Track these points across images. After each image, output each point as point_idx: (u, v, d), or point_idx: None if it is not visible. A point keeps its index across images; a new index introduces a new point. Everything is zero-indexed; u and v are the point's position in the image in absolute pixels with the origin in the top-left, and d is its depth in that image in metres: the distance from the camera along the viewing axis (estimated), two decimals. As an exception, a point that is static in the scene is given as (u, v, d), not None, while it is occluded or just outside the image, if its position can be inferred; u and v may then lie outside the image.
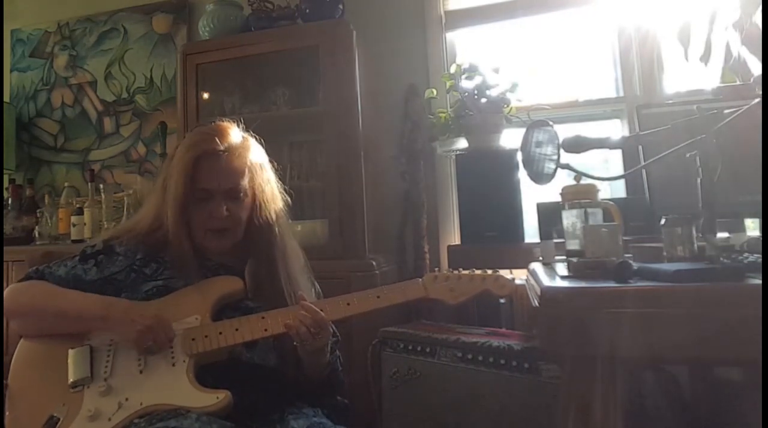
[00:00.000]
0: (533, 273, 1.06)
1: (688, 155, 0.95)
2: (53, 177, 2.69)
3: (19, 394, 1.04)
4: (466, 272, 1.17)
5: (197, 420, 0.91)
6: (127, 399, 0.98)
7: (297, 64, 2.04)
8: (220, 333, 1.05)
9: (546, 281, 0.90)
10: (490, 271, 1.16)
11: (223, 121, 1.19)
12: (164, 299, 1.11)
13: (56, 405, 0.99)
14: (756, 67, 1.33)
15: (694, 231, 0.93)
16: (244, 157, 1.15)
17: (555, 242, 1.20)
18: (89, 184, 2.33)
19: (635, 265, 0.85)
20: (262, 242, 1.18)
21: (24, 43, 2.81)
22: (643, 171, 1.31)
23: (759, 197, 0.93)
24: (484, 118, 1.86)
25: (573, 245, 1.05)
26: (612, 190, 1.89)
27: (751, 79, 1.28)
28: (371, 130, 1.99)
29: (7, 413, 1.02)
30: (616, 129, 2.05)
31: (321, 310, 1.07)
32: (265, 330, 1.07)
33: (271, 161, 1.24)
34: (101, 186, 2.31)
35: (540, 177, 1.10)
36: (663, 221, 0.96)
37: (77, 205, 2.31)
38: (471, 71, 1.91)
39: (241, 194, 1.14)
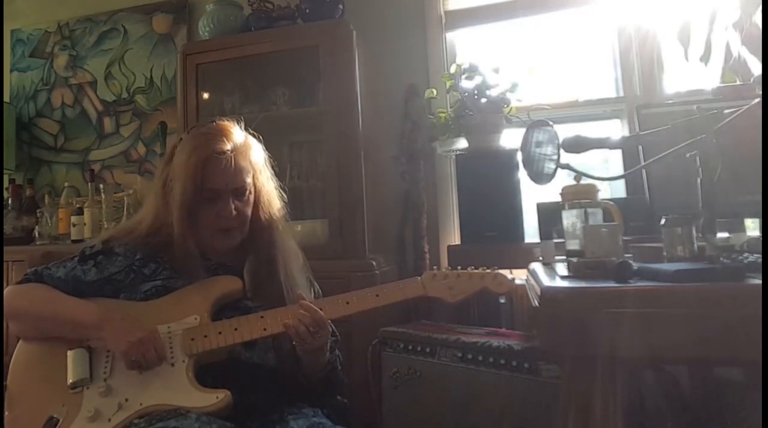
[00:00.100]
0: (533, 273, 1.05)
1: (688, 155, 0.95)
2: (53, 177, 2.69)
3: (18, 395, 1.04)
4: (464, 270, 1.17)
5: (197, 420, 0.91)
6: (126, 400, 0.98)
7: (297, 64, 2.04)
8: (220, 332, 1.05)
9: (546, 281, 0.90)
10: (488, 269, 1.16)
11: (222, 121, 1.19)
12: (163, 299, 1.11)
13: (56, 406, 0.99)
14: (756, 67, 1.33)
15: (694, 231, 0.93)
16: (248, 156, 1.16)
17: (555, 242, 1.20)
18: (89, 184, 2.33)
19: (635, 265, 0.85)
20: (262, 240, 1.19)
21: (24, 43, 2.81)
22: (643, 171, 1.31)
23: (759, 197, 0.93)
24: (484, 118, 1.86)
25: (573, 245, 1.05)
26: (612, 190, 1.89)
27: (751, 79, 1.28)
28: (371, 130, 1.99)
29: (6, 413, 1.02)
30: (616, 129, 2.05)
31: (320, 309, 1.07)
32: (264, 329, 1.07)
33: (270, 160, 1.24)
34: (101, 186, 2.31)
35: (540, 177, 1.10)
36: (663, 221, 0.96)
37: (77, 205, 2.31)
38: (471, 71, 1.91)
39: (247, 192, 1.15)
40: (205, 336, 1.05)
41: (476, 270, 1.17)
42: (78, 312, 1.07)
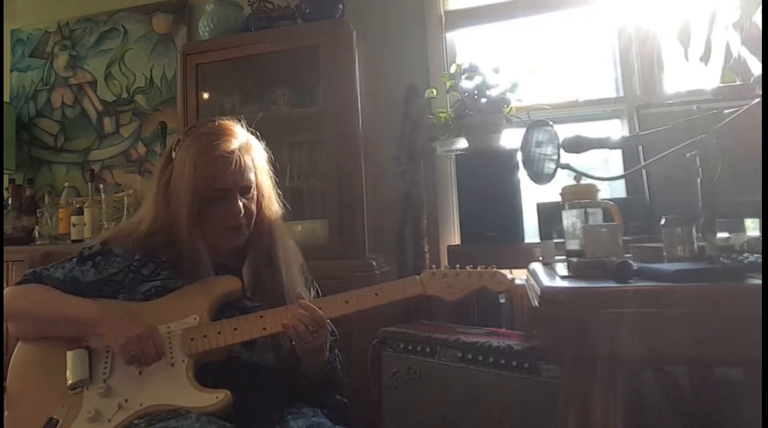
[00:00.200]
0: (533, 273, 1.05)
1: (688, 155, 0.95)
2: (53, 177, 2.69)
3: (18, 396, 1.03)
4: (463, 269, 1.17)
5: (197, 421, 0.91)
6: (126, 400, 0.98)
7: (297, 64, 2.04)
8: (219, 332, 1.05)
9: (546, 281, 0.90)
10: (487, 268, 1.16)
11: (223, 120, 1.19)
12: (162, 299, 1.11)
13: (56, 406, 0.99)
14: (756, 67, 1.33)
15: (694, 231, 0.93)
16: (251, 154, 1.17)
17: (555, 242, 1.20)
18: (89, 184, 2.33)
19: (635, 265, 0.85)
20: (264, 238, 1.19)
21: (24, 43, 2.81)
22: (643, 171, 1.30)
23: (759, 197, 0.93)
24: (484, 118, 1.86)
25: (573, 245, 1.05)
26: (612, 190, 1.89)
27: (751, 79, 1.28)
28: (371, 130, 1.99)
29: (6, 413, 1.02)
30: (616, 129, 2.05)
31: (319, 308, 1.07)
32: (264, 329, 1.07)
33: (270, 160, 1.24)
34: (101, 186, 2.31)
35: (540, 177, 1.10)
36: (663, 221, 0.96)
37: (77, 205, 2.31)
38: (471, 71, 1.90)
39: (252, 189, 1.16)
40: (205, 336, 1.05)
41: (475, 269, 1.17)
42: (77, 310, 1.07)
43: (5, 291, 1.11)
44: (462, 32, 2.24)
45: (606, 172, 1.95)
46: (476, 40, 2.25)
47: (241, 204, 1.12)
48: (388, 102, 2.18)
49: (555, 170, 1.07)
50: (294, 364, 1.14)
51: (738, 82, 1.39)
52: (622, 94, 2.04)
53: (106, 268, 1.13)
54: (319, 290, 1.30)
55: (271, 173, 1.23)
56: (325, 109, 1.90)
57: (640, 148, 1.29)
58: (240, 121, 1.21)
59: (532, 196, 1.74)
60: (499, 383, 1.32)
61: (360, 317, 1.24)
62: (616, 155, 1.87)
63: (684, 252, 0.92)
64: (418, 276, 1.17)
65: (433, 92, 2.05)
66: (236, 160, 1.11)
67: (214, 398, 0.98)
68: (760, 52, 1.29)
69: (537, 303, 0.86)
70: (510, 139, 1.88)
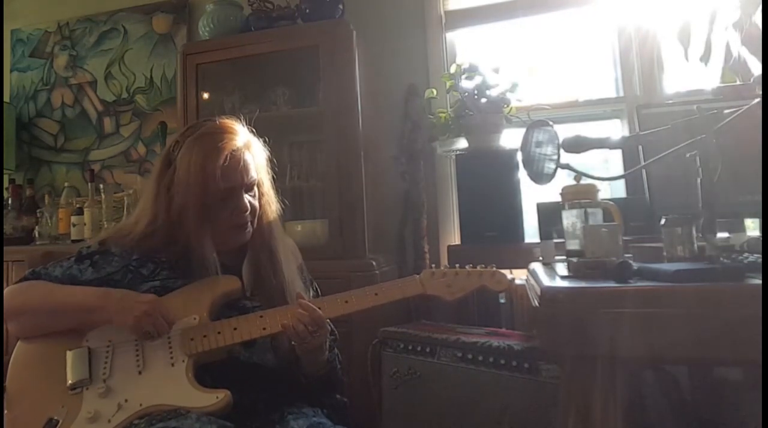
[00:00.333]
0: (533, 273, 1.05)
1: (688, 155, 0.95)
2: (53, 177, 2.69)
3: (17, 397, 1.03)
4: (462, 268, 1.17)
5: (197, 421, 0.91)
6: (126, 400, 0.98)
7: (297, 64, 2.04)
8: (219, 332, 1.05)
9: (546, 281, 0.90)
10: (486, 267, 1.16)
11: (224, 119, 1.19)
12: (162, 299, 1.10)
13: (55, 407, 0.99)
14: (756, 67, 1.33)
15: (694, 231, 0.93)
16: (253, 151, 1.17)
17: (555, 242, 1.20)
18: (89, 184, 2.33)
19: (635, 265, 0.85)
20: (264, 236, 1.19)
21: (24, 43, 2.81)
22: (643, 171, 1.30)
23: (759, 197, 0.93)
24: (484, 118, 1.86)
25: (573, 245, 1.05)
26: (612, 190, 1.89)
27: (751, 79, 1.28)
28: (371, 130, 1.99)
29: (6, 413, 1.02)
30: (616, 129, 2.05)
31: (318, 308, 1.07)
32: (264, 329, 1.07)
33: (270, 160, 1.24)
34: (101, 186, 2.31)
35: (540, 177, 1.10)
36: (663, 221, 0.96)
37: (77, 205, 2.31)
38: (471, 71, 1.90)
39: (256, 186, 1.17)
40: (205, 336, 1.05)
41: (474, 268, 1.17)
42: (78, 297, 1.07)
43: (5, 290, 1.11)
44: (462, 32, 2.24)
45: (606, 172, 1.95)
46: (476, 40, 2.25)
47: (246, 201, 1.13)
48: (388, 102, 2.18)
49: (555, 170, 1.07)
50: (294, 364, 1.14)
51: (738, 82, 1.39)
52: (622, 94, 2.04)
53: (104, 267, 1.13)
54: (318, 290, 1.30)
55: (270, 172, 1.24)
56: (325, 109, 1.90)
57: (640, 148, 1.29)
58: (240, 119, 1.21)
59: (532, 196, 1.74)
60: (499, 383, 1.32)
61: (360, 317, 1.24)
62: (616, 155, 1.87)
63: (684, 253, 0.92)
64: (417, 276, 1.17)
65: (433, 92, 2.05)
66: (242, 158, 1.12)
67: (214, 398, 0.97)
68: (760, 52, 1.29)
69: (537, 303, 0.86)
70: (510, 139, 1.88)
